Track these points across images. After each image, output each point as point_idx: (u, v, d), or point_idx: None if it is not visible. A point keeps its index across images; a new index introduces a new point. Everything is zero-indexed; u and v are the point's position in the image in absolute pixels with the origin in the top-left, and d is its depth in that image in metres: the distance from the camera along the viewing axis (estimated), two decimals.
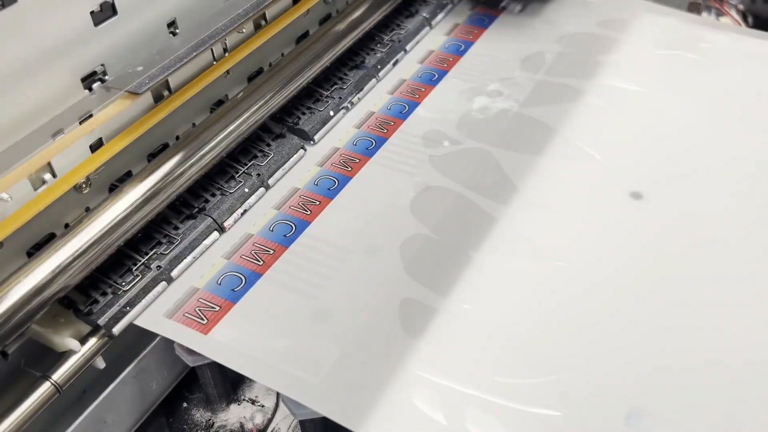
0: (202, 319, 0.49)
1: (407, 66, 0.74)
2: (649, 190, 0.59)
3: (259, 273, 0.52)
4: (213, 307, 0.50)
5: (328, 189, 0.59)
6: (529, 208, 0.58)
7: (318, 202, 0.58)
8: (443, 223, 0.56)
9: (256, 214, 0.57)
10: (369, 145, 0.64)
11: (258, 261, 0.53)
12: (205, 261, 0.54)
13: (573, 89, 0.70)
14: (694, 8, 0.88)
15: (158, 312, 0.50)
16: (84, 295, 0.50)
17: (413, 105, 0.69)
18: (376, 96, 0.70)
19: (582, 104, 0.68)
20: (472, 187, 0.59)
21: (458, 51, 0.76)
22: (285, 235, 0.55)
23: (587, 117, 0.67)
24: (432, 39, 0.78)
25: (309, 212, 0.57)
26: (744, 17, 0.97)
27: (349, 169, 0.61)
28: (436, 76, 0.72)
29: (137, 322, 0.50)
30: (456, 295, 0.51)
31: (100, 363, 0.50)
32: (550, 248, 0.54)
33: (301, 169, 0.62)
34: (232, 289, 0.51)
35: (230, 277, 0.52)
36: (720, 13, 0.95)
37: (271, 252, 0.54)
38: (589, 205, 0.58)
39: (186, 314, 0.49)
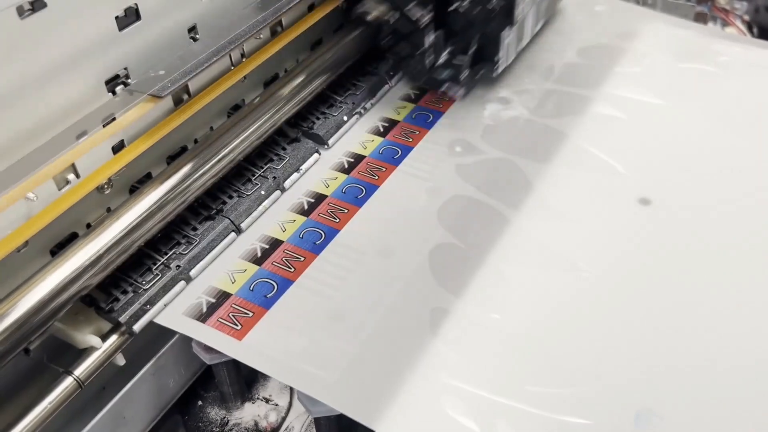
0: (236, 324, 0.50)
1: None
2: (669, 200, 0.60)
3: (291, 280, 0.53)
4: (246, 313, 0.51)
5: (356, 197, 0.60)
6: (551, 217, 0.59)
7: (346, 210, 0.59)
8: (469, 232, 0.57)
9: (283, 220, 0.58)
10: (395, 154, 0.65)
11: (289, 268, 0.54)
12: (231, 265, 0.55)
13: (589, 99, 0.71)
14: (701, 18, 0.90)
15: (177, 310, 0.51)
16: (105, 293, 0.51)
17: (438, 114, 0.70)
18: (389, 102, 0.71)
19: (601, 115, 0.69)
20: (497, 197, 0.60)
21: None
22: (315, 243, 0.56)
23: (608, 128, 0.68)
24: None
25: (338, 220, 0.58)
26: (749, 27, 0.98)
27: (376, 177, 0.63)
28: None
29: (157, 320, 0.51)
30: (483, 303, 0.52)
31: (120, 360, 0.51)
32: (572, 257, 0.55)
33: (319, 174, 0.63)
34: (265, 296, 0.52)
35: (262, 284, 0.53)
36: (726, 23, 0.97)
37: (302, 259, 0.55)
38: (607, 214, 0.59)
39: (220, 319, 0.50)
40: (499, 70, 0.69)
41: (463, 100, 0.70)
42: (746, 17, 0.99)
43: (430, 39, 0.65)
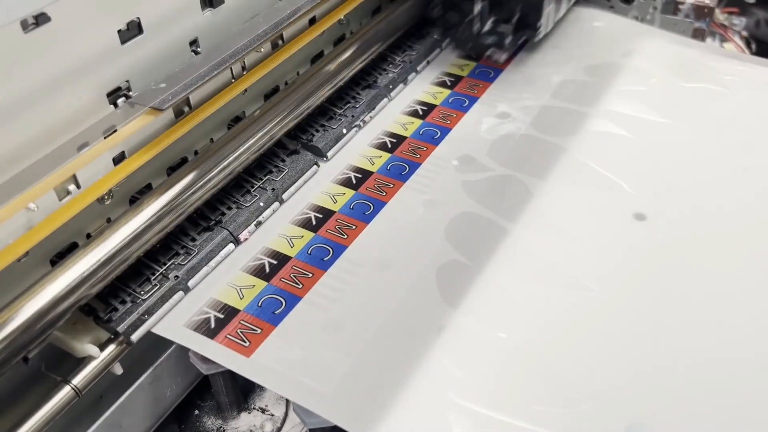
0: (245, 341, 0.50)
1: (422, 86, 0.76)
2: (672, 218, 0.60)
3: (299, 296, 0.54)
4: (254, 330, 0.51)
5: (364, 213, 0.61)
6: (557, 234, 0.59)
7: (354, 227, 0.59)
8: (477, 250, 0.57)
9: (290, 235, 0.59)
10: (403, 170, 0.65)
11: (297, 284, 0.54)
12: (236, 279, 0.55)
13: (590, 116, 0.71)
14: (699, 34, 0.90)
15: (178, 321, 0.52)
16: (104, 303, 0.52)
17: (445, 131, 0.70)
18: (389, 116, 0.72)
19: (604, 133, 0.70)
20: (504, 215, 0.61)
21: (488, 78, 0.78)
22: (323, 259, 0.56)
23: (612, 145, 0.68)
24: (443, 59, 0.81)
25: (346, 236, 0.59)
26: (747, 43, 0.99)
27: (384, 193, 0.63)
28: (467, 102, 0.74)
29: (155, 330, 0.51)
30: (488, 319, 0.52)
31: (118, 369, 0.51)
32: (578, 275, 0.56)
33: (323, 189, 0.63)
34: (273, 312, 0.52)
35: (271, 300, 0.53)
36: (724, 39, 0.97)
37: (310, 275, 0.55)
38: (613, 232, 0.59)
39: (228, 336, 0.50)
40: (540, 35, 0.77)
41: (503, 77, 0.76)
42: (744, 33, 1.00)
43: (478, 7, 0.75)
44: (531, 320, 0.53)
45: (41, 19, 0.46)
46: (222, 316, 0.52)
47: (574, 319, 0.53)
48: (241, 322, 0.52)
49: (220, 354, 0.49)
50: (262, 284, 0.54)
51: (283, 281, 0.55)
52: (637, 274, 0.56)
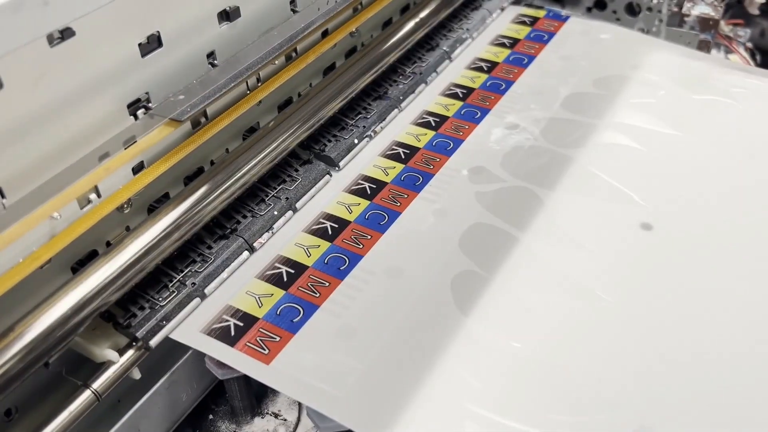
0: (264, 348, 0.51)
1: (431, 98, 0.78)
2: (683, 230, 0.61)
3: (316, 304, 0.54)
4: (273, 338, 0.52)
5: (379, 223, 0.62)
6: (569, 244, 0.60)
7: (369, 236, 0.60)
8: (491, 259, 0.58)
9: (308, 245, 0.60)
10: (416, 181, 0.66)
11: (314, 293, 0.55)
12: (253, 287, 0.56)
13: (599, 127, 0.72)
14: (704, 46, 0.92)
15: (193, 327, 0.53)
16: (123, 309, 0.53)
17: (458, 142, 0.71)
18: (401, 127, 0.73)
19: (614, 144, 0.71)
20: (516, 224, 0.62)
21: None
22: (339, 268, 0.57)
23: (623, 157, 0.69)
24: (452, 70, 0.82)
25: (362, 246, 0.60)
26: (752, 54, 1.00)
27: (398, 204, 0.64)
28: (479, 114, 0.75)
29: (173, 336, 0.52)
30: (502, 329, 0.53)
31: (136, 374, 0.52)
32: (591, 284, 0.57)
33: (337, 198, 0.64)
34: (292, 320, 0.53)
35: (289, 308, 0.54)
36: (729, 51, 0.99)
37: (327, 284, 0.56)
38: (624, 242, 0.60)
39: (248, 344, 0.51)
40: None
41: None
42: (749, 44, 1.01)
43: None
44: (543, 328, 0.54)
45: (66, 33, 0.48)
46: (241, 324, 0.53)
47: (586, 328, 0.54)
48: (260, 330, 0.53)
49: (240, 361, 0.50)
50: (280, 293, 0.56)
51: (300, 290, 0.56)
52: (648, 284, 0.57)
